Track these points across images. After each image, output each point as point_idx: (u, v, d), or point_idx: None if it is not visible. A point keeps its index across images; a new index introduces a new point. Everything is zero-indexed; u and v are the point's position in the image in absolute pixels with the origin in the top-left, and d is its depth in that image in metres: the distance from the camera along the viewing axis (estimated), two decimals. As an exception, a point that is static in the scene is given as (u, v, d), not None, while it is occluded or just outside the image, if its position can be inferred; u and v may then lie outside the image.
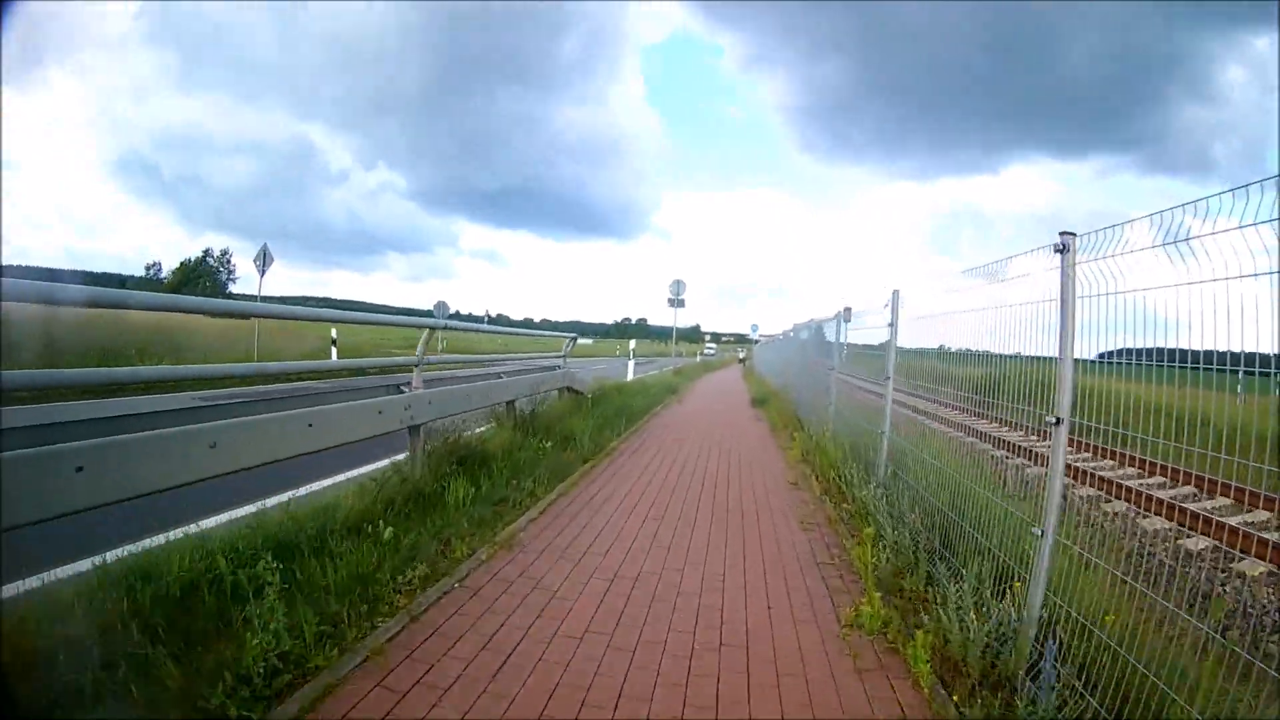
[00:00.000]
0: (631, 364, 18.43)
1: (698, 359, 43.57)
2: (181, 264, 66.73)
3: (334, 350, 17.56)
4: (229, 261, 69.65)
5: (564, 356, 10.70)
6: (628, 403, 11.43)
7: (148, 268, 67.62)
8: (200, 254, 68.24)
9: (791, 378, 13.68)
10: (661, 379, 18.30)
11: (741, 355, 43.44)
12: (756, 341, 41.39)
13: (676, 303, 22.50)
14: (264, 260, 15.62)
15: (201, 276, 64.79)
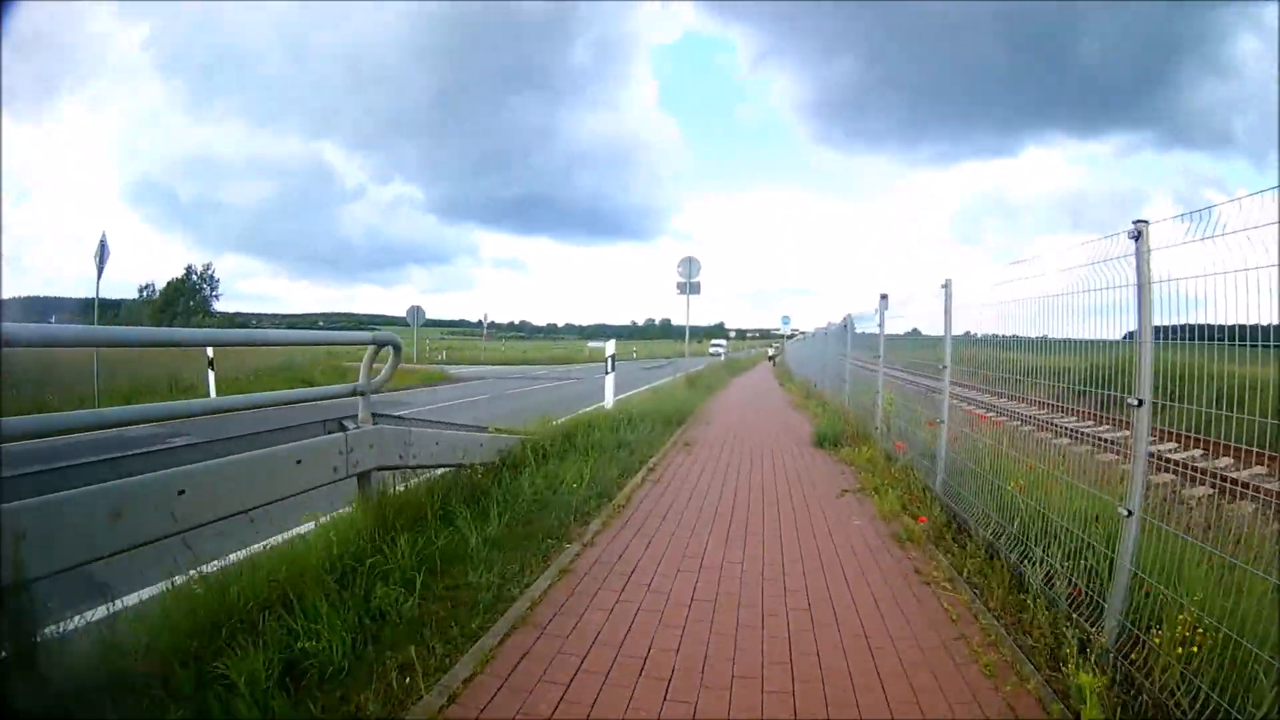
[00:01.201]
0: (610, 381, 11.55)
1: (706, 360, 39.10)
2: (169, 283, 66.49)
3: (210, 376, 13.02)
4: (213, 277, 69.79)
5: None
6: (569, 478, 5.67)
7: (141, 289, 67.54)
8: (184, 271, 67.83)
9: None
10: (661, 400, 12.97)
11: (771, 352, 42.31)
12: (789, 336, 40.23)
13: (689, 288, 16.35)
14: (101, 255, 12.65)
15: (183, 295, 65.01)
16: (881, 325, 7.72)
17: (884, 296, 7.57)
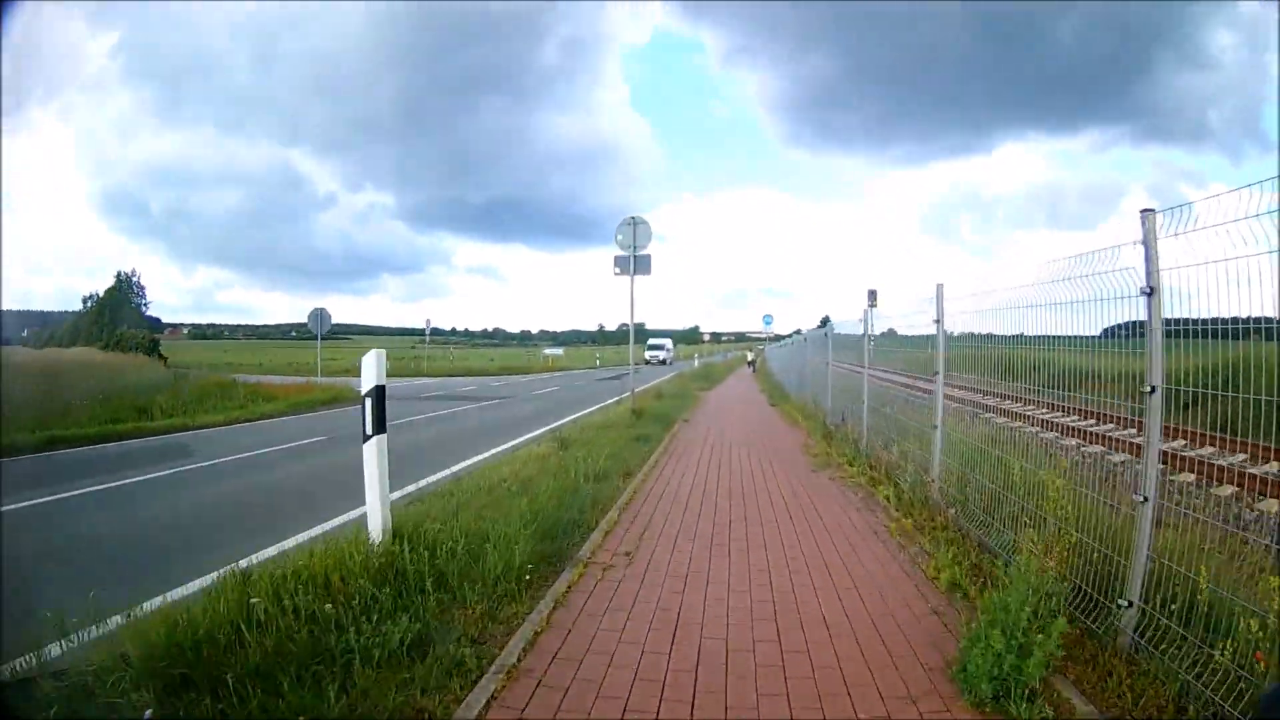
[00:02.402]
0: (374, 458, 3.79)
1: (639, 368, 32.26)
2: (108, 290, 61.25)
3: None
4: (138, 284, 63.98)
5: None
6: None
7: (85, 300, 62.17)
8: (115, 280, 62.43)
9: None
10: (542, 470, 6.66)
11: (750, 357, 37.71)
12: (773, 339, 35.23)
13: (634, 263, 11.32)
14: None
15: (112, 306, 59.60)
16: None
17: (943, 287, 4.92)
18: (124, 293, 61.78)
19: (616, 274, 11.39)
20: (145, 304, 61.64)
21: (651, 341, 48.48)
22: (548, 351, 44.24)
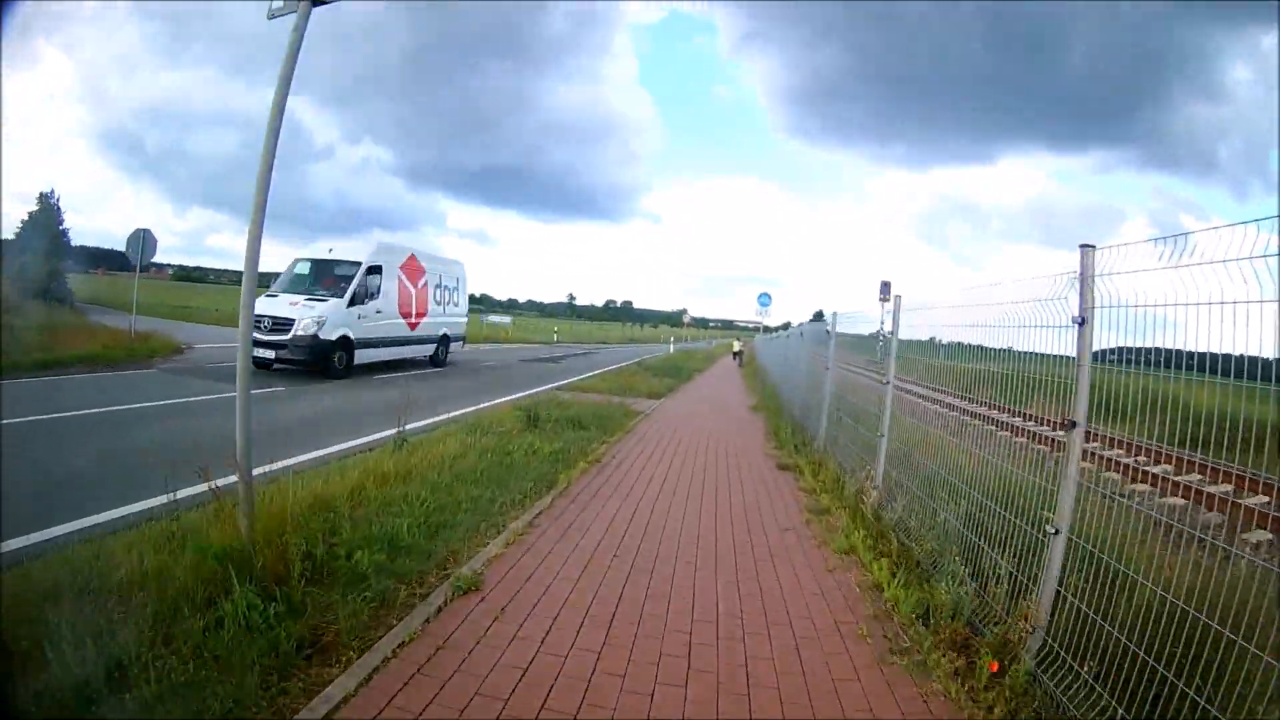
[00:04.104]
0: None
1: (598, 350, 26.24)
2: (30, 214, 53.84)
3: None
4: (57, 207, 56.96)
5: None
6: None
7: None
8: (37, 203, 54.81)
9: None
10: None
11: (737, 347, 31.82)
12: (766, 330, 29.43)
13: None
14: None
15: (34, 233, 52.00)
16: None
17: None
18: (47, 217, 54.20)
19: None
20: (64, 230, 54.07)
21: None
22: (492, 319, 37.76)
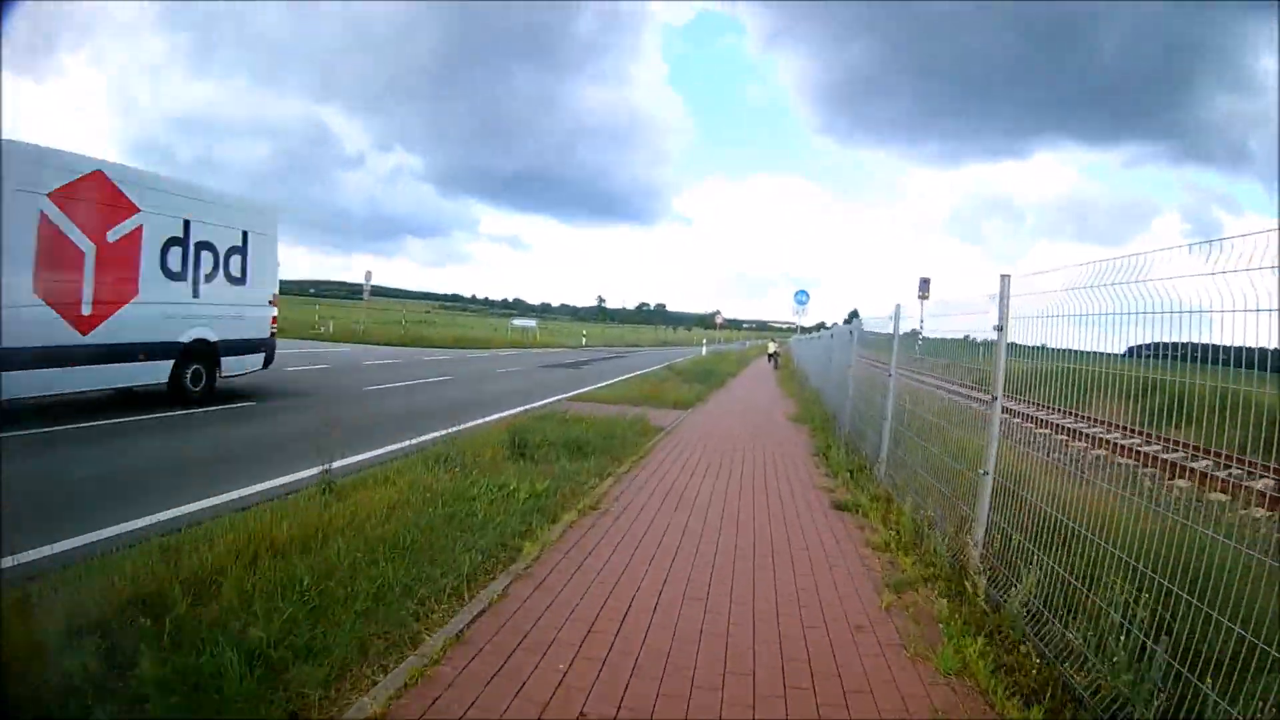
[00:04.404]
0: None
1: (624, 355, 24.20)
2: None
3: None
4: None
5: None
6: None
7: None
8: None
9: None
10: None
11: (772, 349, 29.65)
12: (796, 332, 27.54)
13: None
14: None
15: None
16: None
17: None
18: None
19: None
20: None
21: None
22: (517, 323, 36.54)
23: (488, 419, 8.20)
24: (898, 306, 5.56)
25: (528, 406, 9.39)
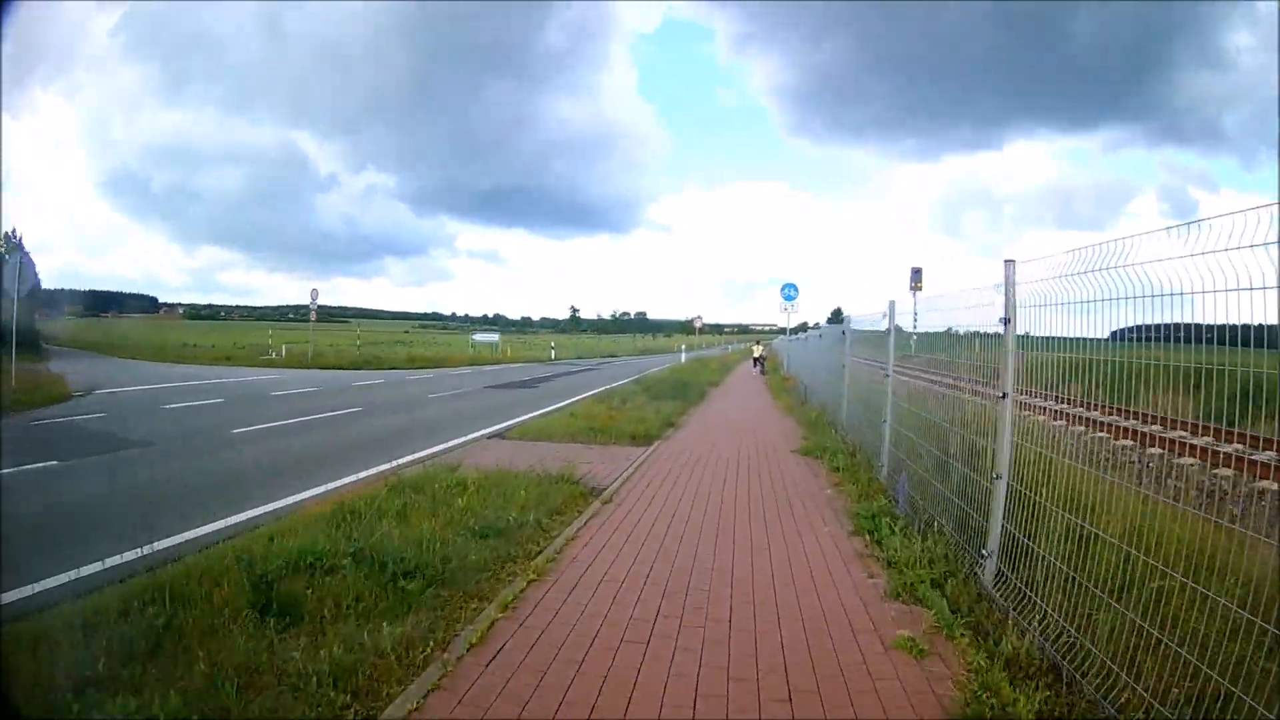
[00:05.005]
0: None
1: (593, 368, 21.82)
2: None
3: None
4: (19, 244, 54.62)
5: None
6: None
7: None
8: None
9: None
10: None
11: (759, 352, 27.07)
12: (778, 334, 25.16)
13: None
14: None
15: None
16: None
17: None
18: (10, 259, 51.40)
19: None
20: (27, 268, 51.23)
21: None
22: (478, 338, 33.41)
23: (330, 486, 5.23)
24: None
25: (417, 455, 6.44)
